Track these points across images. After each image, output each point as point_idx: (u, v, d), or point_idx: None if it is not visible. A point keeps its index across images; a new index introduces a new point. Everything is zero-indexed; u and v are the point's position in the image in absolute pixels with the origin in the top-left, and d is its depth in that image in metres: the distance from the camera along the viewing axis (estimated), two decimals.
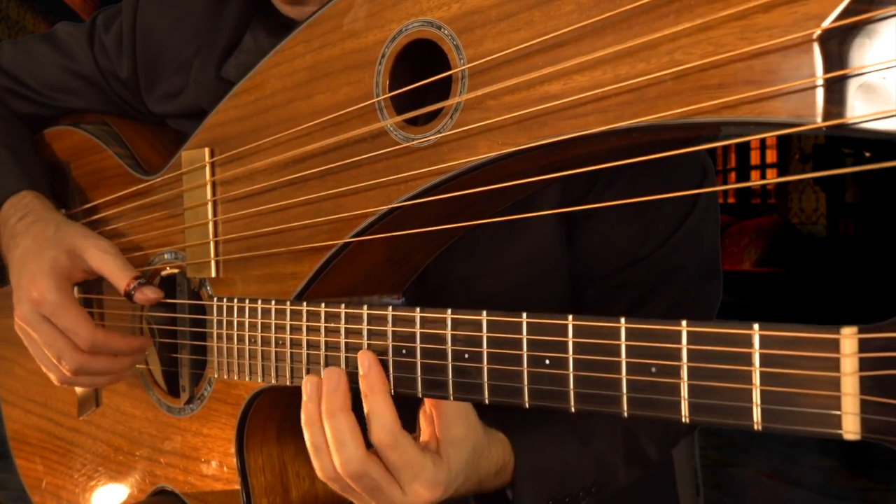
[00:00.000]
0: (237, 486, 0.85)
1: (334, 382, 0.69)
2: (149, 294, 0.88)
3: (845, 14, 0.45)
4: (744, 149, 7.98)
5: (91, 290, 1.05)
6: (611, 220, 0.84)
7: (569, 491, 0.82)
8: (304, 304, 0.75)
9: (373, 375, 0.67)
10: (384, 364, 0.68)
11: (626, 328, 0.53)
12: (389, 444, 0.66)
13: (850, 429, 0.45)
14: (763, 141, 7.84)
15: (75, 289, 1.06)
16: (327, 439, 0.68)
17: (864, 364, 0.44)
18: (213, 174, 0.86)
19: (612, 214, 0.83)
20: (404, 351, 0.67)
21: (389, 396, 0.67)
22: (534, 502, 0.80)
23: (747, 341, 0.48)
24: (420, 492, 0.68)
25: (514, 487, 0.78)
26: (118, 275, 0.89)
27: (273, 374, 0.78)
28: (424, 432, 0.71)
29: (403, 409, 0.68)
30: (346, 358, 0.71)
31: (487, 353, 0.61)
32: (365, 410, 0.67)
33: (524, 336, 0.59)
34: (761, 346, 0.48)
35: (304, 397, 0.71)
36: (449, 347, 0.63)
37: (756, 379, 0.48)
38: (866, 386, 0.44)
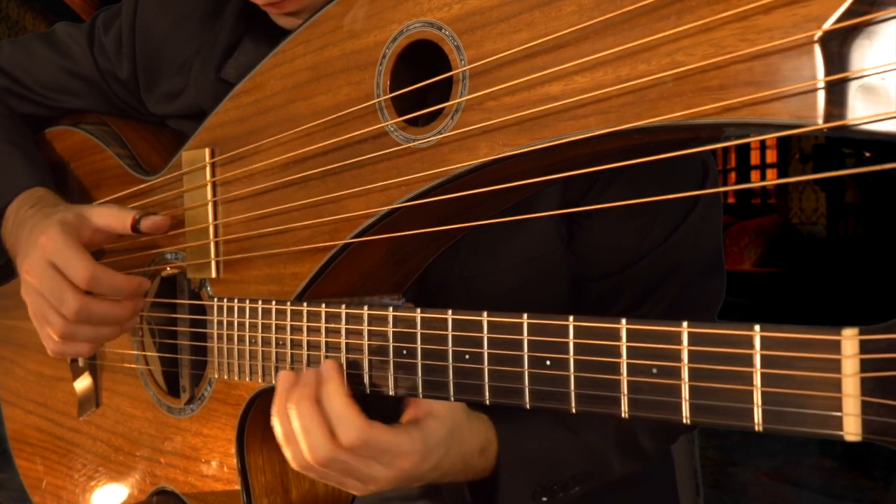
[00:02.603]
0: (237, 487, 0.85)
1: (308, 378, 0.72)
2: (156, 220, 0.89)
3: (847, 15, 0.45)
4: (744, 149, 7.98)
5: None
6: (611, 218, 0.84)
7: (557, 479, 0.82)
8: (305, 304, 0.75)
9: (331, 382, 0.70)
10: (385, 365, 0.68)
11: (627, 329, 0.53)
12: (360, 444, 0.68)
13: (851, 430, 0.45)
14: (763, 141, 7.85)
15: None
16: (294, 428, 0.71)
17: (865, 365, 0.44)
18: (213, 175, 0.86)
19: (613, 213, 0.83)
20: (405, 352, 0.67)
21: (349, 398, 0.69)
22: (520, 487, 0.80)
23: (748, 342, 0.48)
24: (400, 465, 0.70)
25: (499, 471, 0.79)
26: (119, 216, 0.90)
27: (273, 374, 0.78)
28: (408, 410, 0.73)
29: (381, 402, 0.70)
30: (347, 359, 0.71)
31: (488, 353, 0.61)
32: (328, 417, 0.69)
33: (525, 337, 0.59)
34: (762, 348, 0.48)
35: (277, 389, 0.73)
36: (450, 348, 0.63)
37: (757, 380, 0.48)
38: (867, 387, 0.44)
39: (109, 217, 0.91)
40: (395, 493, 0.94)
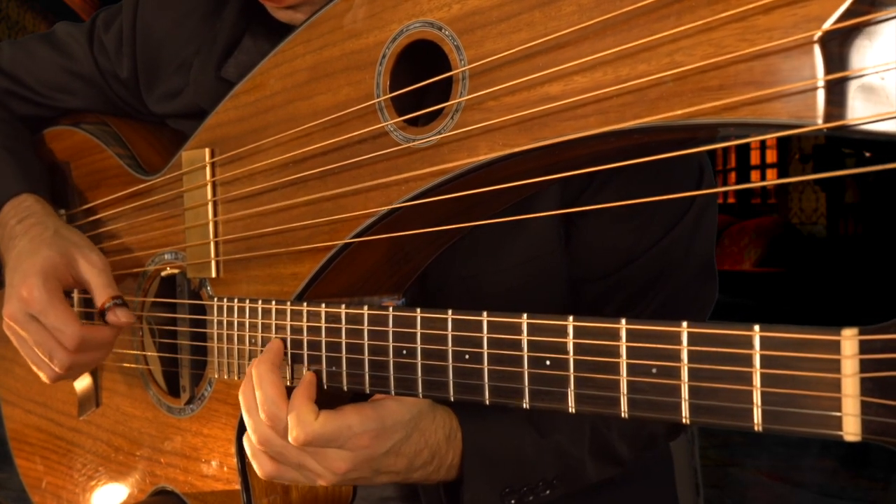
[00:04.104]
0: (237, 487, 0.85)
1: (272, 345, 0.76)
2: (120, 316, 0.90)
3: (846, 16, 0.45)
4: (744, 149, 7.98)
5: None
6: (606, 219, 0.83)
7: (527, 482, 0.81)
8: (305, 304, 0.75)
9: (300, 387, 0.72)
10: (385, 365, 0.68)
11: (627, 329, 0.53)
12: (307, 440, 0.70)
13: (851, 430, 0.45)
14: (763, 141, 7.85)
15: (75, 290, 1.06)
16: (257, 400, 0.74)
17: (864, 366, 0.44)
18: (213, 174, 0.86)
19: (608, 214, 0.82)
20: (404, 352, 0.67)
21: (309, 403, 0.71)
22: (484, 485, 0.80)
23: (748, 342, 0.48)
24: (355, 444, 0.71)
25: (464, 466, 0.79)
26: (99, 290, 0.91)
27: None
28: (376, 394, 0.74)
29: None
30: (347, 359, 0.71)
31: (488, 353, 0.61)
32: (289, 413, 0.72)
33: (524, 337, 0.59)
34: (762, 348, 0.48)
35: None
36: (449, 348, 0.63)
37: (757, 380, 0.48)
38: (867, 387, 0.44)
39: (92, 279, 0.92)
40: (394, 494, 0.94)
